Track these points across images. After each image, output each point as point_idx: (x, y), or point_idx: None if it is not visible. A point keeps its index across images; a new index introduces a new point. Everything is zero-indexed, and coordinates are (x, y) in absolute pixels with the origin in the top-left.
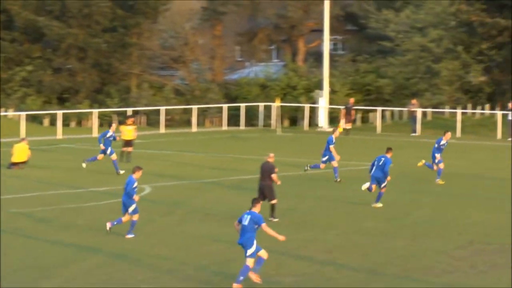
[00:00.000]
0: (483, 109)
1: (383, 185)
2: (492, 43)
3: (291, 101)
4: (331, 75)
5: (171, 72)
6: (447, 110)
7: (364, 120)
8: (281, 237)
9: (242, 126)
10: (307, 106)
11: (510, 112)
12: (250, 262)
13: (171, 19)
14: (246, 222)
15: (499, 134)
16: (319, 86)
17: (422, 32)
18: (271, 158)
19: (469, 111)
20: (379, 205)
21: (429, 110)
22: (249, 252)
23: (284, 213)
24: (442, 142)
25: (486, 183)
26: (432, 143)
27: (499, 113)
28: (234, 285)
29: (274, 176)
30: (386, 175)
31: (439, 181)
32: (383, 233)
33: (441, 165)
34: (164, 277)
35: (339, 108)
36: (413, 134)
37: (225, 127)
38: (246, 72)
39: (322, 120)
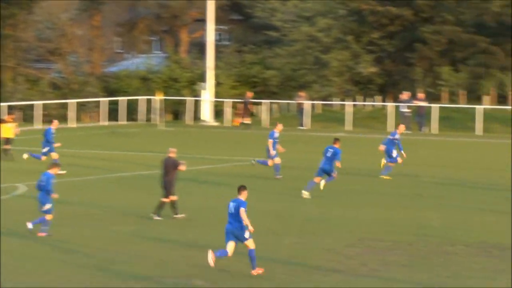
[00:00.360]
0: (374, 101)
1: (334, 173)
2: (383, 32)
3: (174, 94)
4: (216, 66)
5: (48, 64)
6: (336, 102)
7: (251, 113)
8: (251, 228)
9: (123, 121)
10: (190, 100)
11: (401, 104)
12: (251, 243)
13: (48, 9)
14: (232, 210)
15: (390, 127)
16: (203, 78)
17: (310, 21)
18: (172, 153)
19: (359, 103)
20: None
21: (317, 102)
22: (246, 235)
23: (169, 212)
24: (397, 136)
25: (380, 179)
26: (323, 136)
27: (390, 104)
28: (254, 271)
29: (181, 167)
30: (338, 160)
31: (385, 176)
32: (269, 230)
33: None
34: (43, 278)
35: (223, 101)
36: (301, 128)
37: (104, 122)
38: (126, 64)
39: (207, 113)
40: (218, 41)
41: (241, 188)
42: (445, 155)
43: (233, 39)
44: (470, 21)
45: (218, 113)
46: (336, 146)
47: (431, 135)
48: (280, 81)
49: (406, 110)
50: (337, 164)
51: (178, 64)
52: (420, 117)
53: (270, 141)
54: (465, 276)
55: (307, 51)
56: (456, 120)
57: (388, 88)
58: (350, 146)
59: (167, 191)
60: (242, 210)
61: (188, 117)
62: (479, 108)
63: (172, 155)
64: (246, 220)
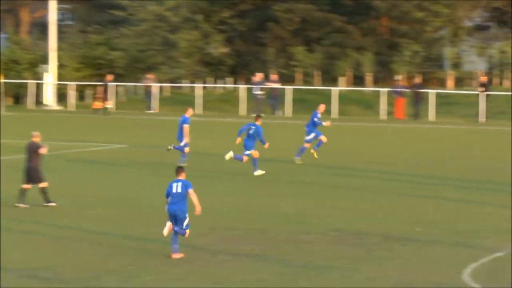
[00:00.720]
0: (225, 83)
1: (247, 152)
2: (234, 11)
3: (14, 77)
4: (59, 48)
5: None
6: (186, 84)
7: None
8: (199, 208)
9: None
10: (32, 82)
11: (254, 86)
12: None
13: None
14: (179, 189)
15: (242, 110)
16: (45, 60)
17: (158, 0)
18: (36, 137)
19: (210, 85)
20: (261, 172)
21: (166, 85)
22: (186, 223)
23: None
24: (319, 116)
25: (231, 164)
26: (172, 120)
27: (242, 87)
28: (175, 254)
29: (42, 150)
30: (263, 142)
31: (315, 153)
32: (114, 219)
33: (323, 138)
34: None
35: (67, 84)
36: (149, 111)
37: None
38: None
39: (50, 97)
40: (60, 21)
41: (179, 169)
42: (299, 138)
43: (76, 19)
44: None
45: (62, 96)
46: (258, 123)
47: (285, 118)
48: (126, 63)
49: (259, 92)
50: (266, 145)
51: (18, 45)
52: (273, 99)
53: (187, 125)
54: (320, 265)
55: (155, 31)
56: (310, 102)
57: (239, 69)
58: (201, 130)
59: (31, 177)
60: (192, 191)
61: (30, 101)
62: (335, 89)
63: (35, 139)
64: (196, 203)
